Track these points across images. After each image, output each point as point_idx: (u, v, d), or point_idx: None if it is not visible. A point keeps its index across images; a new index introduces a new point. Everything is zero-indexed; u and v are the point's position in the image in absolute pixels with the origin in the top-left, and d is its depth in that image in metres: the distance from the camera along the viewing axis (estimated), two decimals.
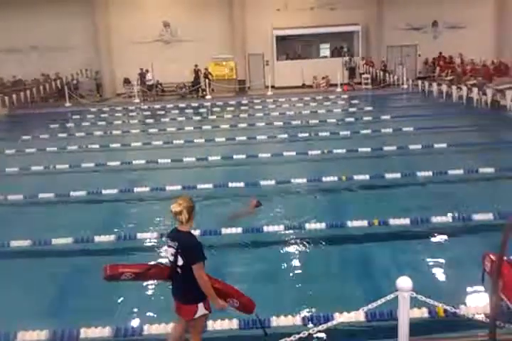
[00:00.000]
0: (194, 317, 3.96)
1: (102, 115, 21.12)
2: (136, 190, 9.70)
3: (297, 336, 3.87)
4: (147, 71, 26.31)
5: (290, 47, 29.09)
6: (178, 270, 3.90)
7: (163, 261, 4.33)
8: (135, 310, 5.53)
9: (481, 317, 4.11)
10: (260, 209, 7.62)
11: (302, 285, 5.91)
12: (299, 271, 6.32)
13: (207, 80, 26.12)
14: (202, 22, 27.58)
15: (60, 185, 10.59)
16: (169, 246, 3.95)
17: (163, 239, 3.93)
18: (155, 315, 5.26)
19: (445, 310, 4.47)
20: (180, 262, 3.85)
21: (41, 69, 27.19)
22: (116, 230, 7.69)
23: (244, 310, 4.33)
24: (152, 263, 4.36)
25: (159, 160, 12.02)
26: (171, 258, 3.92)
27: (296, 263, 6.58)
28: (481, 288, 5.06)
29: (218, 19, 27.82)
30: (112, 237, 7.23)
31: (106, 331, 4.74)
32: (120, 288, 6.00)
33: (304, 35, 28.35)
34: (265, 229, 7.30)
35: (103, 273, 4.12)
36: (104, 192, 9.55)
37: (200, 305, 3.94)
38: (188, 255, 3.82)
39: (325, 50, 29.34)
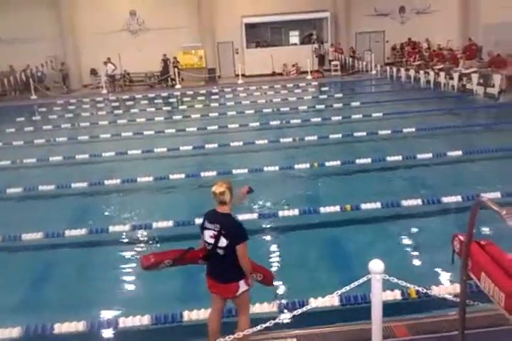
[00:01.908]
0: (236, 294, 4.06)
1: (69, 107, 20.71)
2: (106, 182, 9.52)
3: (273, 321, 3.89)
4: (106, 62, 25.50)
5: (259, 34, 28.93)
6: (219, 251, 3.97)
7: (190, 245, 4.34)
8: (108, 303, 5.48)
9: (451, 296, 4.19)
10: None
11: (276, 271, 5.94)
12: (273, 258, 6.34)
13: (176, 69, 25.80)
14: (169, 10, 27.17)
15: (28, 180, 10.35)
16: (207, 229, 4.01)
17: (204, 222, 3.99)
18: (129, 308, 5.21)
19: (417, 292, 4.56)
20: (223, 243, 3.93)
21: (6, 62, 26.36)
22: (87, 223, 7.55)
23: (265, 282, 4.51)
24: (184, 248, 4.37)
25: (129, 152, 11.84)
26: (210, 241, 3.99)
27: (269, 250, 6.59)
28: (451, 268, 5.16)
29: (186, 7, 27.43)
30: (83, 231, 7.10)
31: (80, 325, 4.68)
32: (90, 282, 5.95)
33: (273, 22, 28.21)
34: (239, 217, 7.27)
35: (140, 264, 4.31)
36: (73, 185, 9.37)
37: (242, 282, 4.05)
38: (233, 236, 3.91)
39: (294, 37, 29.28)
